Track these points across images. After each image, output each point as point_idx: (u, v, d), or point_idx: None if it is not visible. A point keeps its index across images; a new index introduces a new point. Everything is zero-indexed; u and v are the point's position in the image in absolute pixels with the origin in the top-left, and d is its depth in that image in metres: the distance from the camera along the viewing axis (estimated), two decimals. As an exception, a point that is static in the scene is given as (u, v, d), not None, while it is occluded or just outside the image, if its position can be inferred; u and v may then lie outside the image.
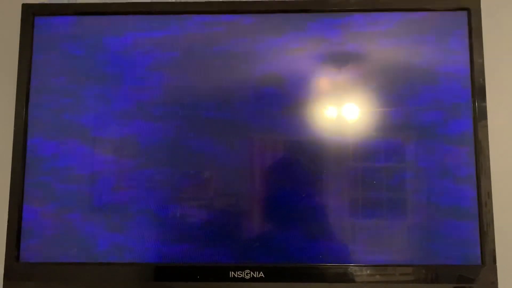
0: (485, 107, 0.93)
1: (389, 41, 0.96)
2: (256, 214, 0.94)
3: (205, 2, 0.99)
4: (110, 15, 0.98)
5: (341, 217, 0.93)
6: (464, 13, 0.96)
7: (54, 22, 0.98)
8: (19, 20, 0.97)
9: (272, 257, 0.91)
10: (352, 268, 0.90)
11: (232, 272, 0.90)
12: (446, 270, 0.90)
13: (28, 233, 0.93)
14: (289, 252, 0.91)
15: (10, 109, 0.97)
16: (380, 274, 0.90)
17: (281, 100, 0.95)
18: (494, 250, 0.90)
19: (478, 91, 0.93)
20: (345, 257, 0.92)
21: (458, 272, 0.89)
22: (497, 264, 0.89)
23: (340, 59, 0.96)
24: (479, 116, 0.93)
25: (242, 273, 0.90)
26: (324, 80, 0.96)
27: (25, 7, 0.98)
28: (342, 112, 0.96)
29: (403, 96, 0.95)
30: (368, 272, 0.90)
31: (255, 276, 0.90)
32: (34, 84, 0.96)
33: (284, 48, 0.96)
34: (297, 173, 0.94)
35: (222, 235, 0.92)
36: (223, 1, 0.99)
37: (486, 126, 0.93)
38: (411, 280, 0.90)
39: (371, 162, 0.94)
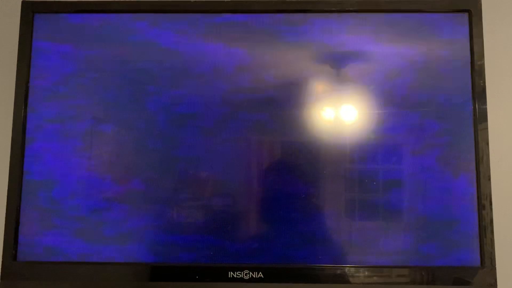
0: (486, 109, 0.93)
1: (388, 43, 0.96)
2: (255, 215, 0.94)
3: (206, 1, 0.98)
4: (110, 13, 0.97)
5: (339, 218, 0.93)
6: (465, 15, 0.96)
7: (54, 20, 0.97)
8: (19, 17, 0.96)
9: (271, 257, 0.91)
10: (350, 270, 0.90)
11: (231, 273, 0.90)
12: (443, 272, 0.90)
13: (25, 232, 0.92)
14: (288, 253, 0.91)
15: (9, 107, 0.96)
16: (377, 276, 0.90)
17: (280, 101, 0.95)
18: (493, 252, 0.90)
19: (478, 94, 0.94)
20: (342, 258, 0.91)
21: (455, 274, 0.89)
22: (496, 266, 0.90)
23: (338, 61, 0.96)
24: (479, 118, 0.93)
25: (241, 274, 0.90)
26: (322, 82, 0.96)
27: (25, 4, 0.97)
28: (340, 113, 0.96)
29: (402, 98, 0.95)
30: (366, 273, 0.90)
31: (254, 276, 0.90)
32: (33, 82, 0.96)
33: (283, 49, 0.96)
34: (295, 174, 0.94)
35: (221, 236, 0.92)
36: (225, 1, 0.99)
37: (487, 128, 0.93)
38: (408, 282, 0.90)
39: (369, 163, 0.94)
